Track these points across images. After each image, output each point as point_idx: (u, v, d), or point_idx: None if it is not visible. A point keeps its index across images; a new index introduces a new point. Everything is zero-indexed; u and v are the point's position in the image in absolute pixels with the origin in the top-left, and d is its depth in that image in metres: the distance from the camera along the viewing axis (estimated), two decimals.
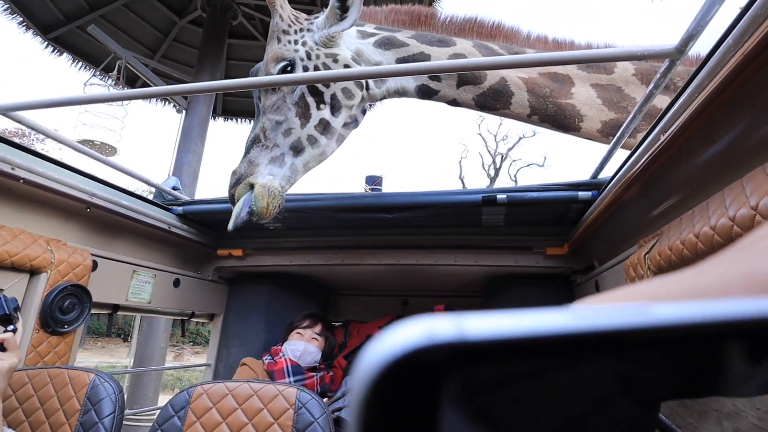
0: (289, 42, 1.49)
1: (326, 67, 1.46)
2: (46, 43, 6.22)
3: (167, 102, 7.83)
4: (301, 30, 1.52)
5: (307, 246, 2.29)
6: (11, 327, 1.10)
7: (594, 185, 1.62)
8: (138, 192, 1.94)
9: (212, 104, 6.57)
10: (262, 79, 1.24)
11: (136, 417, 3.51)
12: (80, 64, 6.65)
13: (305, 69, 1.46)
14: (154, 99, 7.85)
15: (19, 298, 1.47)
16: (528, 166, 20.97)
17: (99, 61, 6.23)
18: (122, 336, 14.20)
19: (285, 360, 1.97)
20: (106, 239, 1.86)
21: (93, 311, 1.78)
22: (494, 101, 1.59)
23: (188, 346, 14.40)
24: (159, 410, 1.25)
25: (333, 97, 1.46)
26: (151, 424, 1.19)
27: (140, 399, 4.25)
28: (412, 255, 2.17)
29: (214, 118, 7.88)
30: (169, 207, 2.07)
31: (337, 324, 2.83)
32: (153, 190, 2.21)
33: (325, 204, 1.88)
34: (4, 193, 1.46)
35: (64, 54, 6.45)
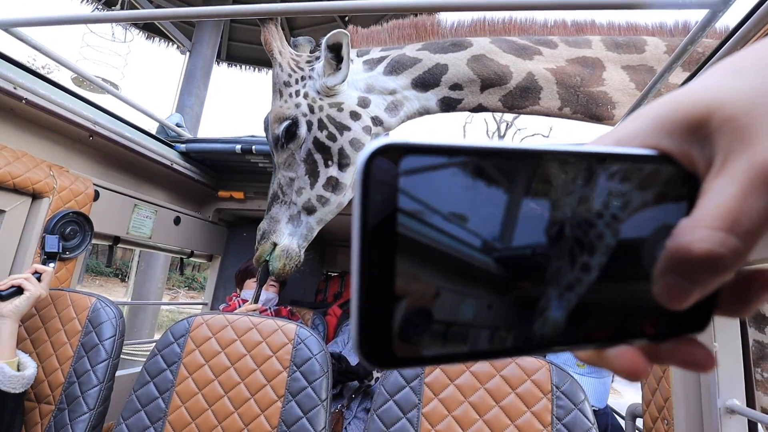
0: (290, 96, 1.43)
1: (330, 119, 1.40)
2: None
3: (171, 42, 7.59)
4: (303, 78, 1.45)
5: None
6: (52, 264, 1.20)
7: None
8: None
9: (216, 47, 6.39)
10: (265, 6, 1.18)
11: (132, 352, 3.61)
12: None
13: (309, 124, 1.40)
14: (158, 38, 7.60)
15: (22, 221, 1.47)
16: (533, 135, 20.70)
17: None
18: (120, 276, 14.43)
19: (237, 301, 1.99)
20: (109, 170, 1.84)
21: (94, 242, 1.79)
22: (522, 99, 1.50)
23: (183, 290, 14.67)
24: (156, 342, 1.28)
25: (341, 153, 1.40)
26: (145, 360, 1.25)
27: (136, 336, 4.36)
28: None
29: (218, 63, 7.67)
30: (172, 144, 2.04)
31: (333, 274, 2.87)
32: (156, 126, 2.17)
33: None
34: (6, 113, 1.43)
35: None
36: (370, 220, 0.16)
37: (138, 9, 5.84)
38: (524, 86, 1.47)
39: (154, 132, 2.03)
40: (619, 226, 0.18)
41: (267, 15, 1.22)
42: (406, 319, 0.16)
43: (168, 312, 10.28)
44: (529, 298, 0.18)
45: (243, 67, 8.07)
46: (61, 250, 1.24)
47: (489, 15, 1.59)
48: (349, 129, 1.40)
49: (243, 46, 7.59)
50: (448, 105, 1.50)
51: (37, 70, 1.49)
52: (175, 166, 2.03)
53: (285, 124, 1.40)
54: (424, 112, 1.52)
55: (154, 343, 1.24)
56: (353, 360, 1.72)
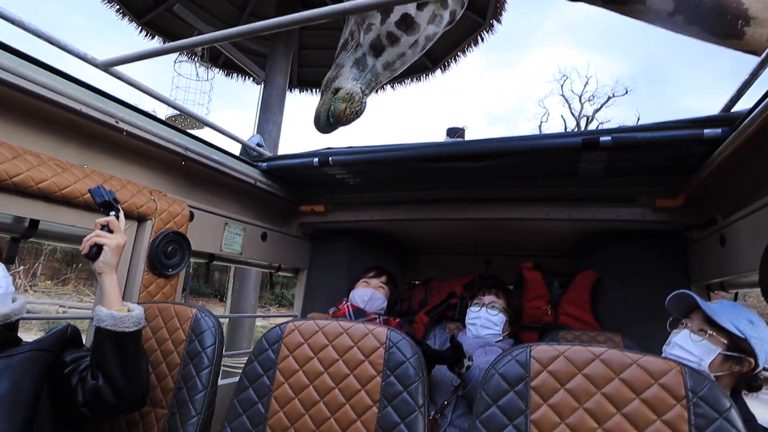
0: None
1: None
2: (140, 28, 6.75)
3: (247, 76, 8.18)
4: None
5: (388, 200, 2.26)
6: (112, 213, 1.18)
7: (725, 120, 1.38)
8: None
9: (288, 74, 6.74)
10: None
11: (233, 364, 3.85)
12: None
13: None
14: (235, 73, 8.24)
15: (131, 243, 1.61)
16: None
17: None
18: (218, 297, 15.67)
19: (347, 306, 1.97)
20: (201, 192, 1.97)
21: (192, 260, 1.91)
22: None
23: (274, 307, 15.52)
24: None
25: None
26: None
27: (236, 349, 4.66)
28: (499, 209, 2.05)
29: (291, 90, 8.10)
30: (255, 163, 2.14)
31: (417, 282, 2.82)
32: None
33: (406, 154, 1.81)
34: (110, 145, 1.58)
35: (156, 37, 6.96)
36: None
37: (216, 48, 6.38)
38: None
39: (237, 154, 2.14)
40: None
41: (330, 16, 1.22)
42: None
43: (262, 327, 10.92)
44: None
45: (314, 91, 8.46)
46: (110, 198, 1.19)
47: None
48: None
49: (313, 71, 7.94)
50: None
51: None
52: (258, 184, 2.12)
53: None
54: None
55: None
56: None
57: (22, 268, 13.22)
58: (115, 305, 1.10)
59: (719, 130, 1.37)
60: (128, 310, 1.10)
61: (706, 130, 1.39)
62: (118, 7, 6.34)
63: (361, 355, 1.13)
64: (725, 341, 1.18)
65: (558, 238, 2.41)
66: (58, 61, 1.40)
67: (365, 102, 1.35)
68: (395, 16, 1.28)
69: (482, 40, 6.72)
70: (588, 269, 2.22)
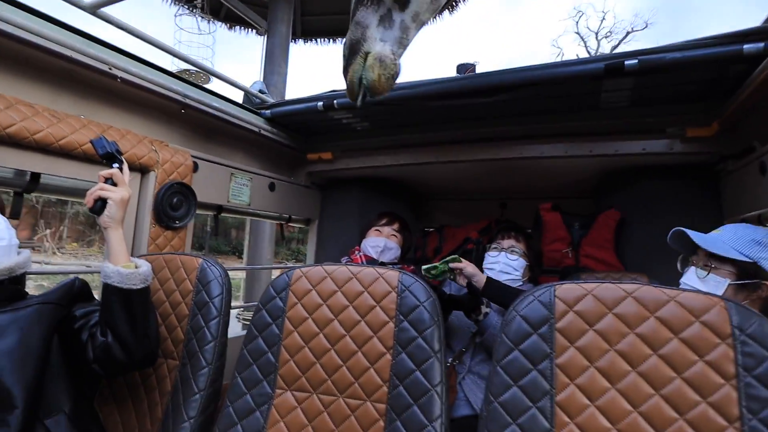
0: None
1: None
2: None
3: (250, 28, 7.87)
4: None
5: (396, 144, 2.15)
6: (115, 164, 1.13)
7: None
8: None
9: (291, 24, 6.46)
10: None
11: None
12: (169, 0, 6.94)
13: None
14: (238, 26, 7.94)
15: (134, 195, 1.56)
16: None
17: None
18: (236, 254, 16.04)
19: (360, 257, 1.93)
20: (204, 142, 1.89)
21: (200, 212, 1.86)
22: None
23: (291, 261, 15.83)
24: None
25: None
26: None
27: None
28: (514, 148, 1.93)
29: (295, 41, 7.78)
30: (258, 110, 2.05)
31: (430, 230, 2.75)
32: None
33: (414, 92, 1.69)
34: (106, 93, 1.50)
35: None
36: None
37: (221, 7, 6.10)
38: None
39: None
40: None
41: None
42: None
43: None
44: None
45: (319, 41, 8.12)
46: (113, 149, 1.15)
47: None
48: None
49: (317, 20, 7.59)
50: None
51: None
52: (263, 132, 2.03)
53: None
54: None
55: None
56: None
57: (48, 231, 13.61)
58: (121, 261, 1.06)
59: (761, 44, 1.22)
60: (135, 267, 1.06)
61: (746, 45, 1.24)
62: None
63: (372, 301, 1.07)
64: (732, 270, 1.09)
65: (577, 178, 2.29)
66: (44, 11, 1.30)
67: (399, 63, 1.18)
68: None
69: None
70: (610, 209, 2.12)
